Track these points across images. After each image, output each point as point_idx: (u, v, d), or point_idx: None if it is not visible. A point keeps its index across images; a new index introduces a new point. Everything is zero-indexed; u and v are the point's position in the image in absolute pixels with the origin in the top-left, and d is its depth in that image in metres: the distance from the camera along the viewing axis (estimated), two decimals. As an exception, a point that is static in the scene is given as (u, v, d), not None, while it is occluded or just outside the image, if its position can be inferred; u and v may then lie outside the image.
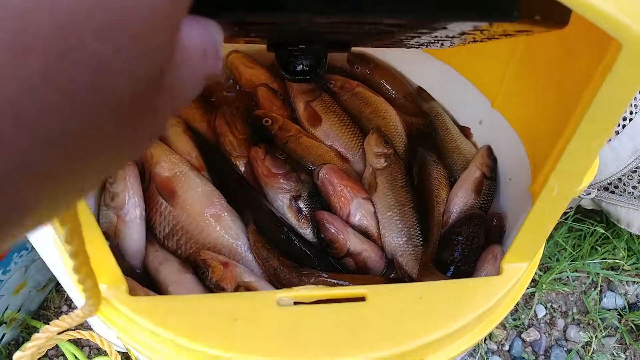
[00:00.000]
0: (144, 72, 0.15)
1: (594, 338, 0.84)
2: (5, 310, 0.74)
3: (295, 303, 0.45)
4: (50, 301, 0.85)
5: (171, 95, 0.18)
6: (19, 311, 0.78)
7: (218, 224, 0.63)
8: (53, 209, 0.15)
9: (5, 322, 0.76)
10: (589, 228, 0.92)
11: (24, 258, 0.74)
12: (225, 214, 0.64)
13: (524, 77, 0.64)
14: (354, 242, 0.64)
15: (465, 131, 0.77)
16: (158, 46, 0.16)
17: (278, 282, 0.61)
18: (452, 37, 0.39)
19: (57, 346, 0.79)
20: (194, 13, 0.22)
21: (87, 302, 0.39)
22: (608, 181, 0.84)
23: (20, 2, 0.11)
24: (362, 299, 0.44)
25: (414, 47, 0.50)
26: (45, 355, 0.79)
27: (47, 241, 0.59)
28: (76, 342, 0.79)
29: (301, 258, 0.64)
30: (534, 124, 0.64)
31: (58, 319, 0.43)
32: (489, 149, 0.73)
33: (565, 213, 0.94)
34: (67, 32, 0.12)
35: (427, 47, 0.49)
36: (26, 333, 0.82)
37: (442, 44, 0.45)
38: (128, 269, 0.61)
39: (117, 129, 0.15)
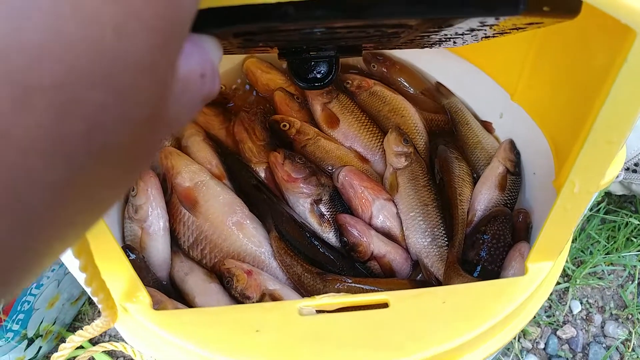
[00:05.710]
0: (142, 115, 0.15)
1: (634, 333, 0.81)
2: (41, 323, 0.76)
3: (318, 311, 0.44)
4: (84, 313, 0.86)
5: (168, 124, 0.17)
6: (54, 324, 0.80)
7: (241, 232, 0.64)
8: (61, 247, 0.16)
9: (41, 335, 0.78)
10: (623, 219, 0.89)
11: (56, 272, 0.76)
12: (247, 221, 0.64)
13: (543, 68, 0.62)
14: (377, 245, 0.64)
15: (487, 126, 0.75)
16: (153, 90, 0.15)
17: (302, 289, 0.61)
18: (462, 35, 0.38)
19: (93, 358, 0.81)
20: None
21: (103, 314, 0.39)
22: (634, 161, 0.81)
23: (23, 56, 0.11)
24: (384, 305, 0.44)
25: (426, 46, 0.50)
26: (82, 366, 0.80)
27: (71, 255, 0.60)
28: (111, 354, 0.81)
29: (325, 263, 0.63)
30: (554, 115, 0.62)
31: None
32: (512, 143, 0.71)
33: (597, 204, 0.91)
34: (65, 87, 0.12)
35: (438, 46, 0.48)
36: (62, 345, 0.84)
37: (454, 42, 0.44)
38: (155, 281, 0.62)
39: (116, 168, 0.15)
